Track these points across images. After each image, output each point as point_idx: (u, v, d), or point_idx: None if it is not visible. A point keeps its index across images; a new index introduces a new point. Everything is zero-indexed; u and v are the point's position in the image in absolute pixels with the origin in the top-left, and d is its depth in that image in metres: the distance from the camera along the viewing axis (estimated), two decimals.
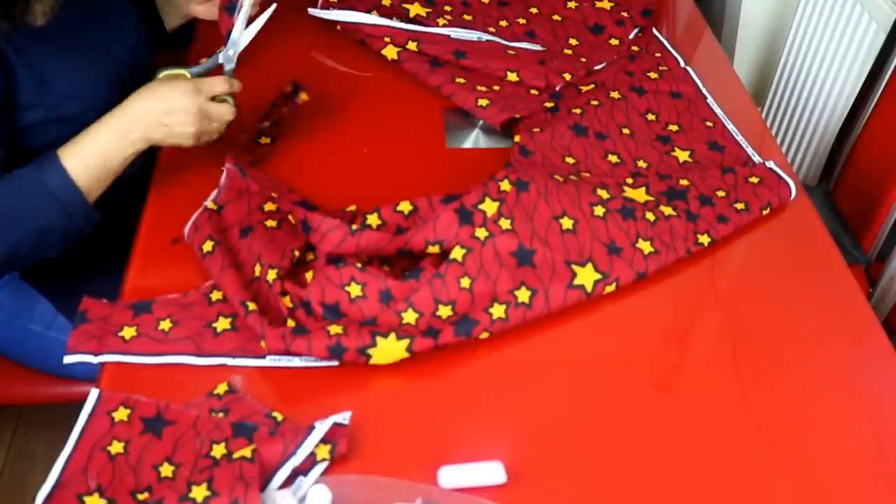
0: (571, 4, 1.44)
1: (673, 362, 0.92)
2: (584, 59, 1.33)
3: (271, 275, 0.90)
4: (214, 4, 1.24)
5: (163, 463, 0.78)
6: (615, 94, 1.26)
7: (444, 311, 0.89)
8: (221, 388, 0.84)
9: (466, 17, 1.38)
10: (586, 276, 0.94)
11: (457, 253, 0.92)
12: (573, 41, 1.37)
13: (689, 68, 1.34)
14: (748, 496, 0.79)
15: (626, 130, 1.20)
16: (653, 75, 1.31)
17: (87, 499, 0.75)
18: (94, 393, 0.83)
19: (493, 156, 1.18)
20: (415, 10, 1.36)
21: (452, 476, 0.77)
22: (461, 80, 1.24)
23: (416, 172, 1.14)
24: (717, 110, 1.26)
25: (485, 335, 0.89)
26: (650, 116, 1.23)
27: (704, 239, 1.02)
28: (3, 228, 0.93)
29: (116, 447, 0.79)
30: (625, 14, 1.43)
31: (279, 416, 0.82)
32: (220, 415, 0.82)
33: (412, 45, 1.29)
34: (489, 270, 0.92)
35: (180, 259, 0.98)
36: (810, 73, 1.70)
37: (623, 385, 0.89)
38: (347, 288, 0.89)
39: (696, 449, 0.83)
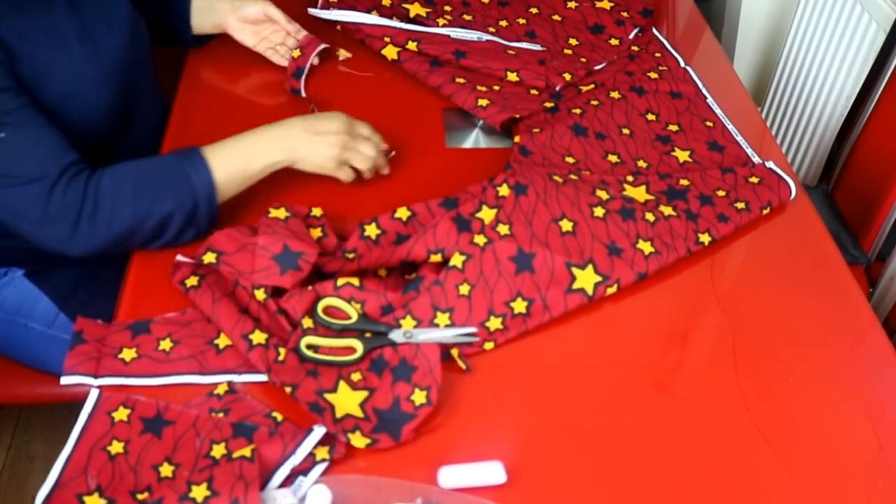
0: (571, 4, 1.44)
1: (673, 362, 0.92)
2: (584, 60, 1.33)
3: (259, 294, 0.89)
4: (255, 34, 1.27)
5: (163, 463, 0.78)
6: (615, 94, 1.26)
7: (442, 319, 0.89)
8: (221, 389, 0.84)
9: (466, 17, 1.38)
10: (586, 279, 0.94)
11: (456, 260, 0.92)
12: (573, 41, 1.37)
13: (688, 68, 1.34)
14: (748, 496, 0.79)
15: (625, 130, 1.19)
16: (653, 75, 1.31)
17: (86, 499, 0.75)
18: (94, 393, 0.83)
19: (493, 156, 1.18)
20: (415, 10, 1.36)
21: (452, 476, 0.77)
22: (461, 81, 1.24)
23: (416, 172, 1.13)
24: (717, 110, 1.26)
25: (489, 345, 0.89)
26: (650, 116, 1.23)
27: (705, 238, 1.02)
28: (136, 202, 0.93)
29: (116, 447, 0.79)
30: (625, 14, 1.42)
31: (279, 417, 0.82)
32: (220, 415, 0.82)
33: (412, 45, 1.29)
34: (488, 277, 0.92)
35: None
36: (810, 73, 1.70)
37: (623, 385, 0.89)
38: (347, 308, 0.89)
39: (697, 449, 0.83)
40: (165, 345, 0.88)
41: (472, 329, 0.89)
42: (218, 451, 0.79)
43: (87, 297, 1.17)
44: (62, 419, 1.72)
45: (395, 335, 0.87)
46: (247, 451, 0.76)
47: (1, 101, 0.90)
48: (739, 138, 1.21)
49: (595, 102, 1.24)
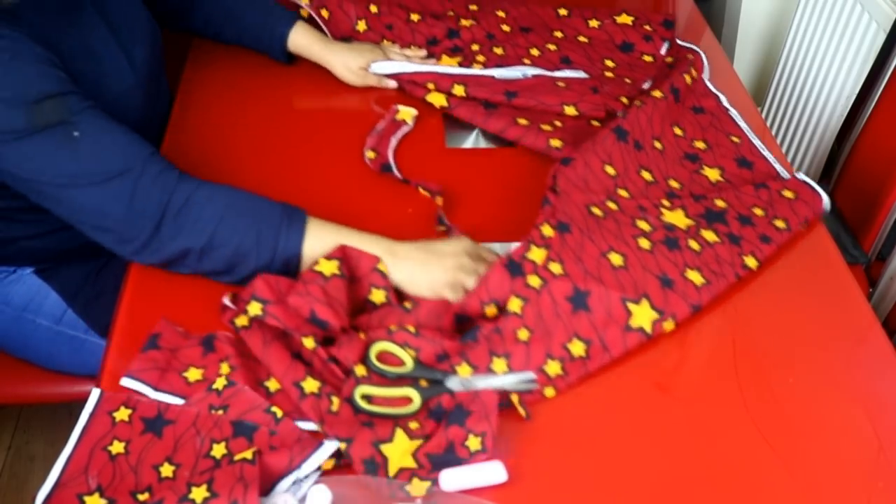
0: (593, 23, 1.40)
1: (673, 362, 0.92)
2: (628, 81, 1.29)
3: (308, 343, 0.84)
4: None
5: (163, 463, 0.78)
6: (657, 94, 1.19)
7: (499, 365, 0.86)
8: (220, 384, 0.84)
9: (497, 51, 1.33)
10: (643, 316, 0.90)
11: (514, 304, 0.88)
12: (609, 62, 1.33)
13: (708, 83, 1.30)
14: (748, 496, 0.79)
15: (658, 144, 1.15)
16: (687, 78, 1.26)
17: (87, 498, 0.75)
18: (95, 393, 0.83)
19: (493, 156, 1.18)
20: (445, 62, 1.30)
21: (453, 478, 0.77)
22: (524, 122, 1.18)
23: (416, 172, 1.13)
24: (742, 124, 1.22)
25: (550, 392, 0.86)
26: (677, 131, 1.19)
27: (751, 261, 0.99)
28: (221, 224, 0.91)
29: (117, 447, 0.79)
30: (647, 27, 1.39)
31: (279, 413, 0.81)
32: (220, 412, 0.82)
33: (459, 90, 1.23)
34: (547, 321, 0.88)
35: None
36: (810, 73, 1.70)
37: (623, 385, 0.89)
38: (401, 353, 0.86)
39: (696, 448, 0.83)
40: (224, 368, 0.85)
41: (532, 375, 0.85)
42: (218, 450, 0.79)
43: (94, 294, 1.18)
44: (62, 419, 1.73)
45: (452, 383, 0.83)
46: (248, 454, 0.76)
47: (70, 102, 0.90)
48: (766, 153, 1.18)
49: (638, 103, 1.18)
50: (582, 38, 1.39)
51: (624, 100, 1.24)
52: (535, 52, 1.34)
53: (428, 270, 0.92)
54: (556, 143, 1.13)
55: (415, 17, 1.37)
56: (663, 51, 1.37)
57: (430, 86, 1.25)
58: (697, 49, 1.37)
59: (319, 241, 0.93)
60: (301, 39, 1.29)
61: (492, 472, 0.77)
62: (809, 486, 0.80)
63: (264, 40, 1.30)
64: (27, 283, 1.17)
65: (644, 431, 0.84)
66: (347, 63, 1.27)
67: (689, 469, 0.81)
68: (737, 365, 0.91)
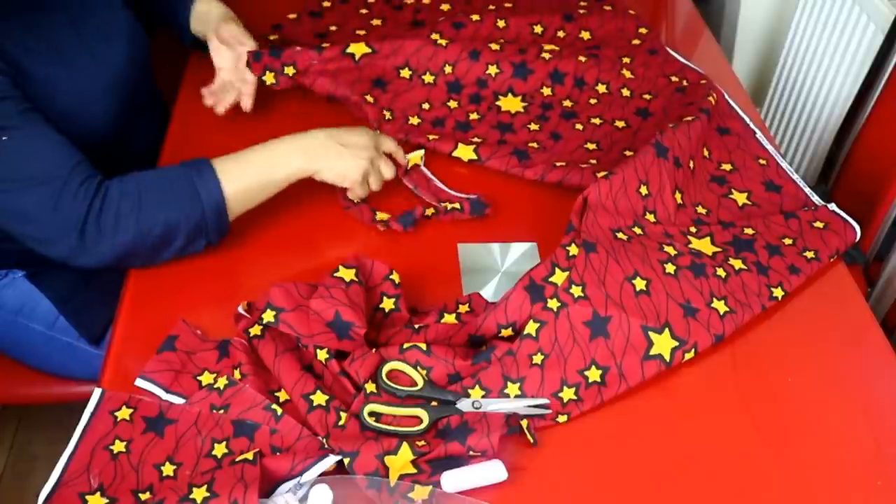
0: (584, 35, 1.38)
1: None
2: (626, 93, 1.28)
3: (321, 354, 0.85)
4: (233, 61, 1.18)
5: (164, 462, 0.79)
6: (689, 118, 1.15)
7: (512, 390, 0.85)
8: (221, 383, 0.84)
9: (517, 54, 1.28)
10: (663, 345, 0.89)
11: (530, 328, 0.87)
12: (627, 73, 1.31)
13: (732, 102, 1.28)
14: (747, 495, 0.80)
15: (691, 164, 1.12)
16: (711, 99, 1.22)
17: (89, 498, 0.76)
18: (97, 392, 0.84)
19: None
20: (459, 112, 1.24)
21: (455, 479, 0.77)
22: (561, 164, 1.13)
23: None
24: (769, 146, 1.20)
25: (563, 419, 0.85)
26: (705, 152, 1.16)
27: (779, 293, 0.97)
28: (140, 211, 0.91)
29: (119, 446, 0.80)
30: (636, 41, 1.39)
31: (279, 410, 0.82)
32: (221, 411, 0.82)
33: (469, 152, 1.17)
34: (563, 345, 0.87)
35: (180, 262, 0.99)
36: (809, 74, 1.71)
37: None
38: (412, 373, 0.86)
39: (695, 448, 0.83)
40: (236, 374, 0.86)
41: (545, 401, 0.85)
42: (219, 450, 0.80)
43: (84, 301, 1.18)
44: (64, 418, 1.71)
45: (463, 405, 0.83)
46: (249, 455, 0.77)
47: (5, 108, 0.90)
48: (795, 176, 1.16)
49: (671, 125, 1.14)
50: (583, 54, 1.33)
51: (624, 89, 1.24)
52: (551, 48, 1.31)
53: (342, 160, 1.01)
54: (601, 173, 1.06)
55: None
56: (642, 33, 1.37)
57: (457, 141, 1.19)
58: (702, 72, 1.33)
59: (237, 173, 0.95)
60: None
61: (492, 471, 0.78)
62: (808, 485, 0.81)
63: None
64: (19, 288, 1.17)
65: (643, 431, 0.85)
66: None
67: (688, 468, 0.82)
68: (736, 364, 0.92)
